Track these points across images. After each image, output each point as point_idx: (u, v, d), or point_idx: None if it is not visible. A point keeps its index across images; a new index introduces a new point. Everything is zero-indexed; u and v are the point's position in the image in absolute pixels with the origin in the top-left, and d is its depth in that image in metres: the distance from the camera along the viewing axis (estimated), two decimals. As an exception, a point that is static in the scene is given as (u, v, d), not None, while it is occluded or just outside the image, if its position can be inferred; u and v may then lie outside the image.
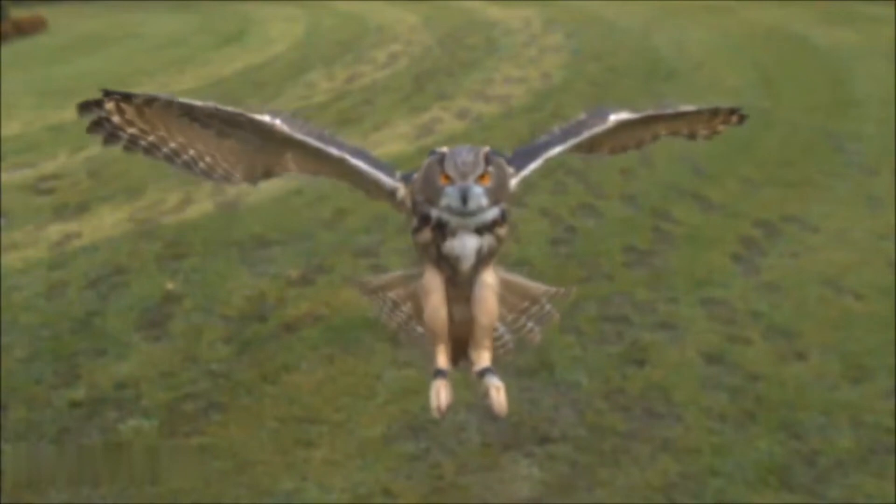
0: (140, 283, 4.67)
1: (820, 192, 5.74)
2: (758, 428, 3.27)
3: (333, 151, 1.63)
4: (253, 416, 3.45)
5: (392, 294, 1.83)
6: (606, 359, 3.74)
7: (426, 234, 1.56)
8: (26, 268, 4.93)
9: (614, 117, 1.70)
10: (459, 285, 1.63)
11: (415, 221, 1.59)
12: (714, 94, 7.68)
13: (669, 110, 1.76)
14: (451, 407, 1.54)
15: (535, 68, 9.72)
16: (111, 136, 1.51)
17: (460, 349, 1.73)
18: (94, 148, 6.95)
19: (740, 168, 6.08)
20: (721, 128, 1.84)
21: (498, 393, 1.56)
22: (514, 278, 1.78)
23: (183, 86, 9.73)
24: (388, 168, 1.66)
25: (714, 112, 1.82)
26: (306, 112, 8.25)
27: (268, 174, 1.73)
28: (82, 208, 5.86)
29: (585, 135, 1.68)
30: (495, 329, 1.71)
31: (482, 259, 1.58)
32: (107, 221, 5.60)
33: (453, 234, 1.54)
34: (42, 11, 15.36)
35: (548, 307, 1.79)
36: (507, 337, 1.77)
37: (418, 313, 1.76)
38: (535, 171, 1.67)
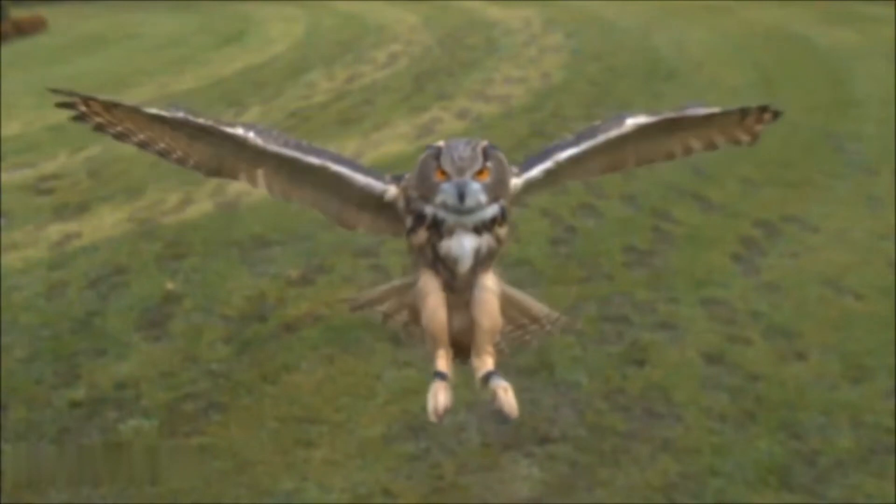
0: (140, 283, 4.67)
1: (820, 192, 5.74)
2: (758, 428, 3.27)
3: (313, 160, 1.56)
4: (253, 416, 3.45)
5: (383, 307, 1.74)
6: (606, 359, 3.74)
7: (421, 235, 1.49)
8: (26, 268, 4.93)
9: (632, 121, 1.59)
10: (458, 290, 1.54)
11: (409, 221, 1.51)
12: (714, 94, 7.68)
13: (690, 112, 1.63)
14: (450, 410, 1.47)
15: (535, 68, 9.72)
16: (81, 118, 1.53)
17: (463, 353, 1.63)
18: (94, 148, 6.96)
19: (740, 168, 6.08)
20: (759, 128, 1.68)
21: (506, 393, 1.47)
22: (516, 294, 1.69)
23: (183, 86, 9.74)
24: (375, 173, 1.59)
25: (743, 112, 1.67)
26: (306, 112, 8.27)
27: (236, 177, 1.68)
28: (82, 208, 5.86)
29: (601, 138, 1.58)
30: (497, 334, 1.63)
31: (481, 261, 1.50)
32: (107, 221, 5.60)
33: (450, 233, 1.47)
34: (42, 11, 15.36)
35: (548, 328, 1.72)
36: (504, 344, 1.68)
37: (416, 320, 1.67)
38: (543, 173, 1.58)
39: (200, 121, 1.55)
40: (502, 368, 1.55)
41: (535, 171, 1.57)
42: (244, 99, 8.96)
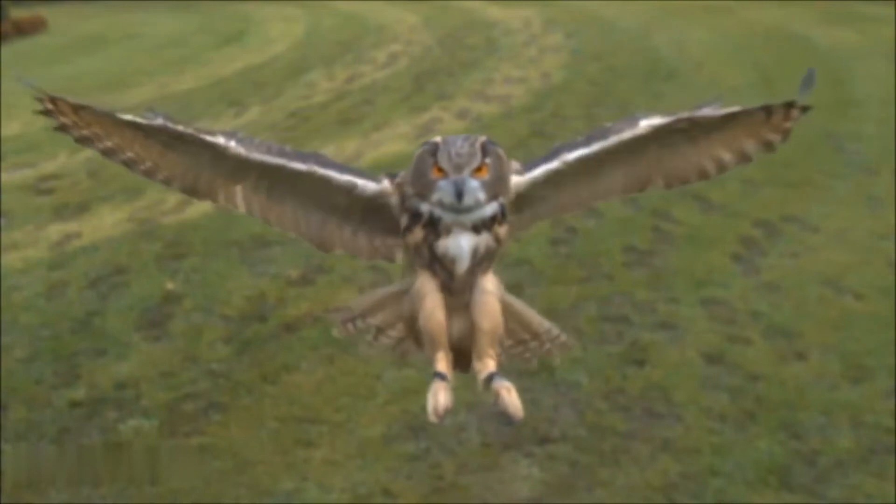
0: (140, 283, 4.67)
1: (820, 192, 5.74)
2: (758, 428, 3.27)
3: (299, 166, 1.49)
4: (253, 416, 3.45)
5: (376, 320, 1.65)
6: (606, 359, 3.74)
7: (417, 233, 1.43)
8: (26, 268, 4.93)
9: (645, 122, 1.50)
10: (456, 292, 1.48)
11: (404, 219, 1.45)
12: (714, 95, 7.67)
13: (707, 112, 1.52)
14: (451, 410, 1.41)
15: (535, 68, 9.72)
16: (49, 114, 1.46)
17: (463, 362, 1.55)
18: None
19: (740, 168, 6.08)
20: (788, 125, 1.55)
21: (509, 394, 1.41)
22: (516, 303, 1.62)
23: (183, 86, 9.74)
24: (366, 173, 1.53)
25: (768, 111, 1.55)
26: (306, 112, 8.27)
27: (211, 195, 1.57)
28: (82, 208, 5.86)
29: (613, 139, 1.50)
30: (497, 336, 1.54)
31: (479, 261, 1.44)
32: (107, 221, 5.60)
33: (447, 232, 1.41)
34: (42, 11, 15.36)
35: (548, 346, 1.65)
36: (503, 359, 1.59)
37: (412, 328, 1.57)
38: (550, 173, 1.50)
39: (179, 128, 1.46)
40: (503, 369, 1.51)
41: (540, 171, 1.51)
42: (244, 99, 8.96)
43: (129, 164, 1.53)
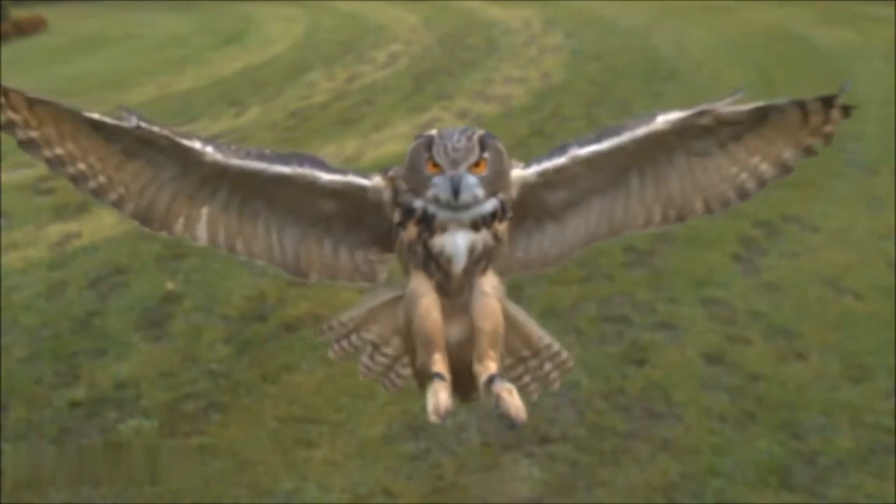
0: (140, 283, 4.67)
1: (820, 192, 5.74)
2: (758, 428, 3.27)
3: (282, 169, 1.38)
4: (253, 416, 3.45)
5: (370, 334, 1.55)
6: (606, 359, 3.74)
7: (411, 230, 1.35)
8: (26, 268, 4.93)
9: (662, 118, 1.39)
10: (452, 295, 1.40)
11: (397, 215, 1.37)
12: (714, 95, 7.66)
13: (729, 108, 1.39)
14: (451, 410, 1.34)
15: (535, 68, 9.72)
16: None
17: (462, 383, 1.44)
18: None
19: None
20: (830, 129, 1.43)
21: (511, 395, 1.32)
22: (517, 313, 1.52)
23: (183, 86, 9.74)
24: (358, 172, 1.44)
25: (803, 109, 1.41)
26: (306, 112, 8.27)
27: (168, 221, 1.43)
28: (82, 208, 5.85)
29: (626, 136, 1.39)
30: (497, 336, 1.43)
31: (477, 260, 1.36)
32: (107, 221, 5.60)
33: (443, 228, 1.34)
34: (42, 11, 15.37)
35: (547, 367, 1.56)
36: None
37: (408, 339, 1.46)
38: (557, 168, 1.40)
39: (154, 129, 1.34)
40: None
41: (547, 166, 1.41)
42: (244, 99, 8.96)
43: (76, 180, 1.37)
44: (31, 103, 1.32)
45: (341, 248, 1.51)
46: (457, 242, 1.35)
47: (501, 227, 1.36)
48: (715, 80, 8.66)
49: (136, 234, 5.40)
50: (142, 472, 3.10)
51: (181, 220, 1.45)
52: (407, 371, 1.59)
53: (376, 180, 1.41)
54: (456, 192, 1.29)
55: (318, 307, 4.29)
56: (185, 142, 1.36)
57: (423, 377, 1.41)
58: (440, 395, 1.33)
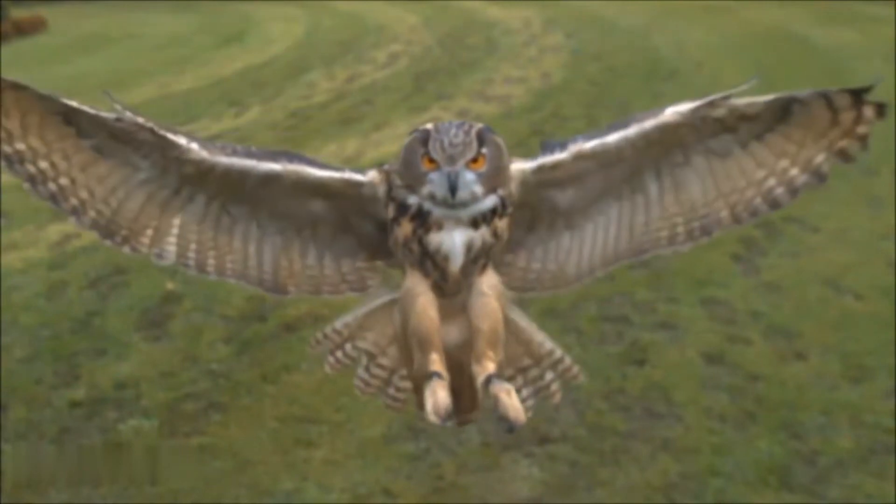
0: (140, 283, 4.67)
1: (820, 192, 5.68)
2: (758, 428, 3.27)
3: (272, 167, 1.29)
4: (253, 416, 3.45)
5: (366, 343, 1.48)
6: (606, 359, 3.74)
7: (405, 226, 1.28)
8: (26, 268, 4.93)
9: (672, 109, 1.31)
10: (450, 295, 1.33)
11: (391, 210, 1.30)
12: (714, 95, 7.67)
13: (742, 102, 1.29)
14: (450, 410, 1.27)
15: (535, 68, 9.72)
16: None
17: (463, 396, 1.37)
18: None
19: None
20: (863, 130, 1.33)
21: (509, 396, 1.25)
22: (518, 317, 1.44)
23: (183, 86, 9.74)
24: (351, 169, 1.37)
25: (829, 103, 1.28)
26: (306, 112, 8.27)
27: (132, 232, 1.30)
28: (82, 208, 5.86)
29: (633, 129, 1.30)
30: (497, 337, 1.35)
31: (475, 258, 1.30)
32: (107, 221, 5.60)
33: (438, 226, 1.27)
34: (42, 11, 15.38)
35: (549, 377, 1.48)
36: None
37: (404, 346, 1.39)
38: (558, 162, 1.33)
39: (139, 120, 1.24)
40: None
41: (549, 160, 1.33)
42: (244, 99, 8.96)
43: (34, 180, 1.28)
44: None
45: (327, 256, 1.43)
46: (454, 240, 1.28)
47: (501, 223, 1.30)
48: (715, 80, 8.66)
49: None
50: (142, 472, 3.10)
51: (149, 232, 1.33)
52: (406, 384, 1.50)
53: (371, 174, 1.34)
54: (453, 189, 1.23)
55: (318, 307, 4.28)
56: (171, 136, 1.26)
57: (421, 382, 1.32)
58: (439, 394, 1.26)
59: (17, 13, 14.66)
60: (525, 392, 1.48)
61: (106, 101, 1.27)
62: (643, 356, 3.77)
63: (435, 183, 1.24)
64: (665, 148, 1.34)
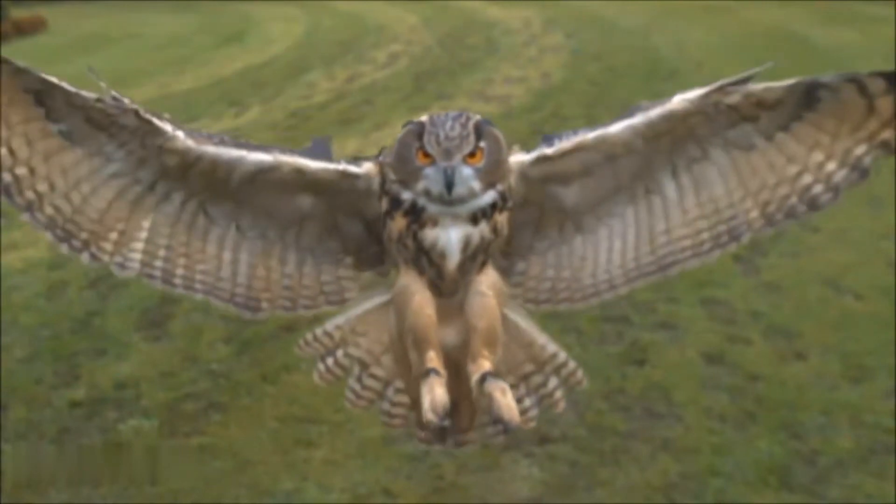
0: (140, 282, 4.64)
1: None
2: (758, 428, 3.26)
3: (262, 157, 1.20)
4: (253, 416, 3.45)
5: (358, 350, 1.38)
6: (606, 359, 3.74)
7: (399, 221, 1.20)
8: (26, 268, 4.93)
9: (680, 96, 1.23)
10: (447, 294, 1.25)
11: (384, 203, 1.22)
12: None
13: (758, 87, 1.21)
14: (448, 408, 1.20)
15: (535, 68, 9.72)
16: None
17: (461, 412, 1.31)
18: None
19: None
20: None
21: (504, 395, 1.17)
22: (521, 320, 1.36)
23: (183, 86, 9.74)
24: (349, 161, 1.28)
25: (861, 89, 1.17)
26: (306, 112, 8.27)
27: (95, 235, 1.18)
28: (82, 208, 5.86)
29: (639, 118, 1.22)
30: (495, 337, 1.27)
31: (473, 255, 1.22)
32: (107, 221, 5.60)
33: (434, 222, 1.20)
34: (42, 11, 15.37)
35: (552, 384, 1.40)
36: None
37: (399, 351, 1.30)
38: (560, 153, 1.25)
39: (125, 101, 1.14)
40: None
41: (551, 151, 1.26)
42: (244, 99, 8.96)
43: None
44: None
45: (308, 262, 1.35)
46: (450, 236, 1.20)
47: (501, 217, 1.22)
48: (715, 80, 8.65)
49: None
50: (142, 472, 3.10)
51: (113, 235, 1.21)
52: (402, 398, 1.41)
53: (367, 166, 1.26)
54: (449, 185, 1.15)
55: (318, 307, 4.28)
56: (156, 121, 1.16)
57: (418, 394, 1.23)
58: (436, 391, 1.18)
59: (17, 13, 14.66)
60: (528, 401, 1.41)
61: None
62: (643, 356, 3.77)
63: (430, 179, 1.17)
64: (677, 140, 1.24)
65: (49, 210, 1.17)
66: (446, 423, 1.19)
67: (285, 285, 1.36)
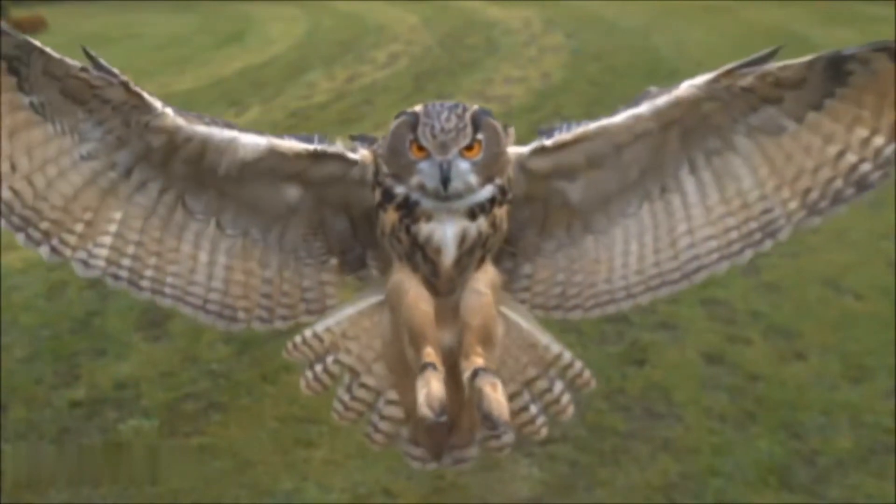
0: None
1: (820, 192, 5.73)
2: (758, 428, 3.26)
3: (255, 140, 1.14)
4: (253, 416, 3.45)
5: (349, 357, 1.32)
6: (606, 359, 3.74)
7: (391, 214, 1.13)
8: (26, 268, 4.92)
9: (688, 82, 1.16)
10: (443, 292, 1.19)
11: (377, 195, 1.15)
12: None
13: (772, 66, 1.08)
14: (445, 404, 1.14)
15: (535, 68, 9.72)
16: None
17: (459, 425, 1.26)
18: (94, 148, 6.95)
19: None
20: None
21: (495, 390, 1.12)
22: (522, 320, 1.29)
23: (183, 86, 9.74)
24: (341, 144, 1.21)
25: (893, 56, 1.04)
26: (306, 112, 8.26)
27: (56, 227, 1.02)
28: (82, 208, 5.86)
29: (645, 107, 1.19)
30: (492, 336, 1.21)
31: (470, 250, 1.14)
32: (107, 221, 5.60)
33: (427, 216, 1.12)
34: (42, 11, 15.38)
35: (558, 388, 1.33)
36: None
37: (392, 357, 1.25)
38: (560, 143, 1.20)
39: (115, 71, 1.06)
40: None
41: (552, 141, 1.19)
42: (244, 99, 8.96)
43: None
44: None
45: (289, 266, 1.25)
46: (445, 231, 1.13)
47: (500, 211, 1.15)
48: (715, 80, 8.66)
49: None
50: (142, 472, 3.09)
51: (79, 227, 1.06)
52: (394, 411, 1.32)
53: (363, 154, 1.20)
54: (445, 180, 1.08)
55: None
56: (146, 95, 1.06)
57: (413, 408, 1.17)
58: (433, 385, 1.12)
59: (17, 13, 14.66)
60: (534, 409, 1.33)
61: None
62: (643, 356, 3.76)
63: (425, 173, 1.10)
64: (691, 132, 1.15)
65: (7, 194, 1.00)
66: (443, 418, 1.13)
67: (264, 292, 1.24)
